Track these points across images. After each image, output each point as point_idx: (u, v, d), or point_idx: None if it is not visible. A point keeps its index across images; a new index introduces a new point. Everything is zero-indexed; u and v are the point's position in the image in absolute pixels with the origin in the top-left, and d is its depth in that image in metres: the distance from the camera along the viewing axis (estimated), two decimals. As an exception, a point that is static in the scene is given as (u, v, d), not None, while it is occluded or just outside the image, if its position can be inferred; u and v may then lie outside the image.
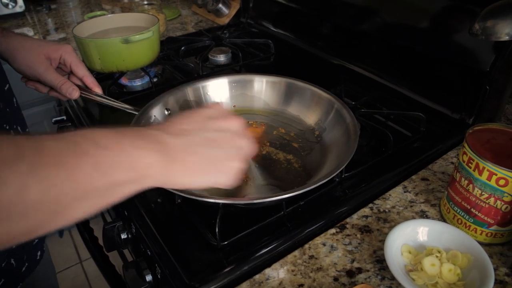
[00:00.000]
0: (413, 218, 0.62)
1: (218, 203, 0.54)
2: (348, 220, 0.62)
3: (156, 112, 0.71)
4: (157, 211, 0.63)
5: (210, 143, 0.42)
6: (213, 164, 0.42)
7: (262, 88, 0.79)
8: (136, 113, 0.68)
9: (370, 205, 0.64)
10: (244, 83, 0.79)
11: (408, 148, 0.76)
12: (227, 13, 1.33)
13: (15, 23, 1.47)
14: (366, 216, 0.62)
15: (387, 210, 0.63)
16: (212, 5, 1.32)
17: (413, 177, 0.70)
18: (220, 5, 1.31)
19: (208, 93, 0.79)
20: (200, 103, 0.78)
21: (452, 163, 0.73)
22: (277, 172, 0.64)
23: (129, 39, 0.88)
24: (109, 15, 1.03)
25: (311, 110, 0.74)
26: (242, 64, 1.07)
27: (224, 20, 1.33)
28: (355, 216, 0.62)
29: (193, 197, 0.52)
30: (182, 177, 0.40)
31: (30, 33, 1.41)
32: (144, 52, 0.94)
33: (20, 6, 1.47)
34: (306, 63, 1.08)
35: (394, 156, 0.72)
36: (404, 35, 0.87)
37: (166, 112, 0.73)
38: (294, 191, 0.52)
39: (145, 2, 1.31)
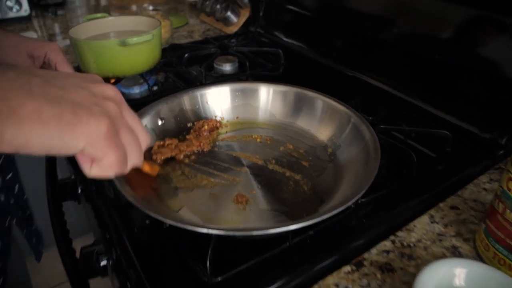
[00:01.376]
0: (444, 255, 0.50)
1: (211, 234, 0.43)
2: (366, 255, 0.50)
3: (148, 121, 0.61)
4: (141, 235, 0.53)
5: (65, 92, 0.32)
6: (67, 114, 0.30)
7: (269, 98, 0.69)
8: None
9: (392, 237, 0.53)
10: (248, 92, 0.69)
11: (432, 170, 0.65)
12: (236, 21, 1.24)
13: (19, 27, 1.40)
14: (388, 251, 0.51)
15: (412, 244, 0.52)
16: (221, 13, 1.24)
17: (441, 205, 0.59)
18: (229, 13, 1.22)
19: (207, 102, 0.69)
20: (197, 113, 0.68)
21: (485, 189, 0.61)
22: (283, 194, 0.54)
23: (127, 41, 0.79)
24: (109, 18, 0.95)
25: (323, 124, 0.64)
26: (249, 74, 0.97)
27: (233, 29, 1.24)
28: (374, 250, 0.51)
29: (178, 225, 0.42)
30: (16, 129, 0.28)
31: (34, 36, 1.33)
32: (143, 57, 0.84)
33: (25, 10, 1.40)
34: (318, 74, 0.98)
35: (417, 179, 0.61)
36: (425, 43, 0.77)
37: (160, 122, 0.63)
38: (304, 221, 0.42)
39: (151, 8, 1.23)
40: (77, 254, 0.66)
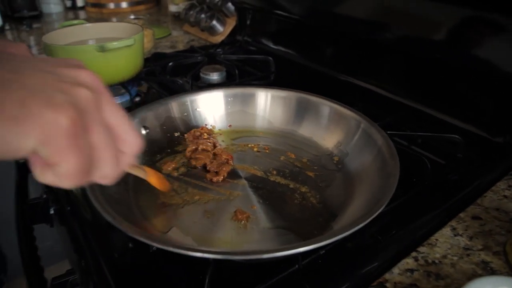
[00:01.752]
0: (475, 272, 0.44)
1: (208, 259, 0.36)
2: (387, 276, 0.43)
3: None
4: (123, 261, 0.44)
5: (16, 75, 0.24)
6: (12, 103, 0.23)
7: (266, 105, 0.62)
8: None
9: (414, 253, 0.46)
10: (243, 98, 0.63)
11: (445, 178, 0.59)
12: (222, 31, 1.18)
13: (-10, 41, 1.31)
14: (412, 270, 0.44)
15: (437, 261, 0.45)
16: (206, 22, 1.18)
17: (461, 215, 0.52)
18: (214, 22, 1.17)
19: (198, 109, 0.62)
20: (186, 121, 0.61)
21: (506, 196, 0.56)
22: (288, 209, 0.47)
23: (106, 46, 0.71)
24: (87, 24, 0.87)
25: (328, 131, 0.57)
26: (238, 83, 0.90)
27: (218, 39, 1.18)
28: (396, 270, 0.44)
29: (169, 248, 0.34)
30: None
31: (5, 50, 1.24)
32: (123, 64, 0.77)
33: (-4, 23, 1.31)
34: (310, 80, 0.91)
35: (431, 188, 0.55)
36: (421, 44, 0.72)
37: (144, 131, 0.56)
38: (317, 241, 0.35)
39: (132, 17, 1.16)
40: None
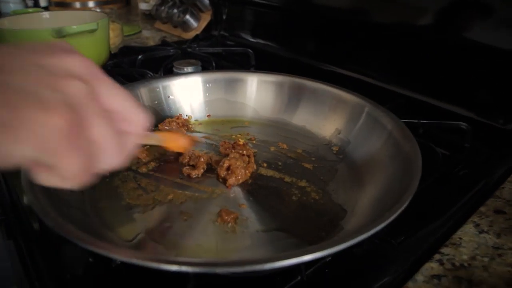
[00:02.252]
0: (511, 274, 0.36)
1: (186, 273, 0.26)
2: (411, 284, 0.35)
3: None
4: (79, 283, 0.34)
5: (4, 75, 0.22)
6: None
7: (252, 91, 0.53)
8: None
9: (437, 256, 0.38)
10: (225, 84, 0.54)
11: (453, 171, 0.51)
12: (196, 26, 1.09)
13: None
14: (438, 276, 0.36)
15: (465, 264, 0.37)
16: (179, 17, 1.09)
17: (482, 209, 0.45)
18: (188, 17, 1.08)
19: (171, 97, 0.52)
20: (157, 111, 0.51)
21: (525, 188, 0.48)
22: (285, 208, 0.38)
23: (64, 30, 0.61)
24: (43, 12, 0.76)
25: (325, 118, 0.49)
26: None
27: (192, 35, 1.09)
28: (420, 277, 0.36)
29: (134, 261, 0.24)
30: None
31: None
32: (85, 53, 0.66)
33: None
34: (292, 72, 0.84)
35: (442, 182, 0.48)
36: (409, 25, 0.64)
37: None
38: (327, 246, 0.26)
39: (99, 11, 1.05)
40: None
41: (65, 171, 0.23)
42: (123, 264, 0.35)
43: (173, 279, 0.33)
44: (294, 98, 0.51)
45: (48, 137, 0.22)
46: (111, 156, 0.26)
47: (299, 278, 0.33)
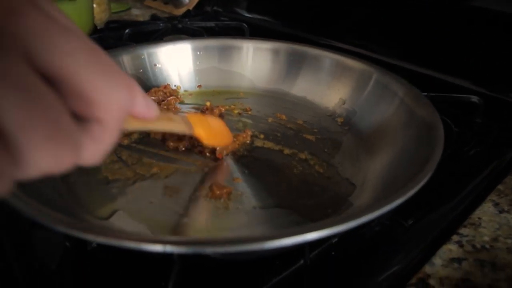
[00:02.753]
0: (539, 258, 0.32)
1: (170, 253, 0.21)
2: (428, 269, 0.30)
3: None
4: (49, 272, 0.29)
5: None
6: None
7: (247, 59, 0.48)
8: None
9: (456, 237, 0.33)
10: (218, 52, 0.48)
11: (466, 147, 0.47)
12: (187, 2, 1.03)
13: None
14: (459, 260, 0.31)
15: (487, 246, 0.33)
16: (169, -8, 1.02)
17: (500, 187, 0.40)
18: (179, -8, 1.01)
19: (158, 65, 0.47)
20: (142, 80, 0.46)
21: (544, 165, 0.44)
22: (285, 182, 0.33)
23: (39, -5, 0.55)
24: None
25: (328, 88, 0.44)
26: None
27: (184, 11, 1.03)
28: (438, 260, 0.31)
29: (107, 241, 0.20)
30: None
31: None
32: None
33: None
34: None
35: (453, 159, 0.43)
36: None
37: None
38: (336, 223, 0.21)
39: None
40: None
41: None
42: (99, 246, 0.30)
43: (155, 263, 0.28)
44: (293, 66, 0.46)
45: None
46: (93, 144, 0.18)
47: (301, 262, 0.29)
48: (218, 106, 0.42)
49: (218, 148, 0.35)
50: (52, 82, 0.16)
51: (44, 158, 0.15)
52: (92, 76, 0.16)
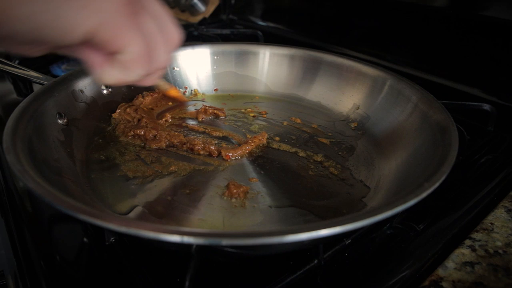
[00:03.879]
0: (553, 265, 0.31)
1: (190, 245, 0.22)
2: (441, 271, 0.30)
3: (85, 84, 0.38)
4: (68, 265, 0.30)
5: None
6: None
7: (264, 65, 0.49)
8: (46, 83, 0.36)
9: (468, 242, 0.33)
10: (235, 57, 0.49)
11: (478, 155, 0.47)
12: (203, 10, 1.04)
13: None
14: (471, 264, 0.31)
15: (500, 251, 0.32)
16: (186, 0, 1.04)
17: (512, 194, 0.40)
18: (196, 1, 1.03)
19: (177, 68, 0.48)
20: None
21: (556, 173, 0.44)
22: (301, 182, 0.33)
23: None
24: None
25: (344, 93, 0.44)
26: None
27: (200, 19, 1.04)
28: (450, 263, 0.31)
29: (125, 230, 0.20)
30: None
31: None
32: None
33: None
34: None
35: (465, 166, 0.43)
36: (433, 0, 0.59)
37: (105, 90, 0.41)
38: (351, 220, 0.21)
39: None
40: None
41: (127, 54, 0.24)
42: (117, 241, 0.30)
43: (173, 258, 0.28)
44: (309, 72, 0.47)
45: (112, 10, 0.22)
46: (163, 54, 0.27)
47: (315, 261, 0.29)
48: (212, 107, 0.43)
49: (222, 151, 0.36)
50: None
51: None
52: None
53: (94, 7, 0.21)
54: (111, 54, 0.24)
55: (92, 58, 0.25)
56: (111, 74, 0.25)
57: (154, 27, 0.26)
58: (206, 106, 0.43)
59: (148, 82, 0.29)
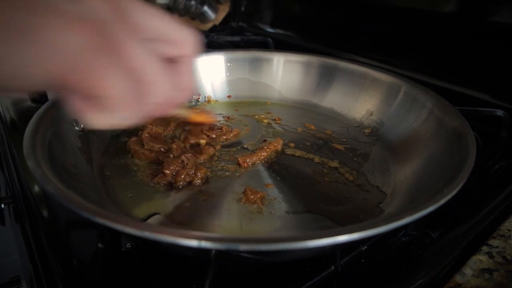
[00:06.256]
0: None
1: (209, 250, 0.22)
2: (459, 278, 0.30)
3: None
4: (86, 270, 0.30)
5: None
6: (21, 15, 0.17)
7: (278, 72, 0.49)
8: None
9: (486, 248, 0.33)
10: (249, 64, 0.49)
11: (492, 161, 0.46)
12: (213, 17, 1.05)
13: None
14: (490, 270, 0.31)
15: (519, 258, 0.32)
16: (196, 8, 1.04)
17: (529, 201, 0.39)
18: (206, 8, 1.03)
19: (190, 75, 0.48)
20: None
21: None
22: (317, 188, 0.33)
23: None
24: None
25: (357, 100, 0.44)
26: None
27: (210, 27, 1.05)
28: (468, 270, 0.31)
29: (145, 234, 0.20)
30: None
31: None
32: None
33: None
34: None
35: (479, 173, 0.43)
36: (443, 7, 0.59)
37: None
38: (370, 226, 0.21)
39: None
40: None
41: (109, 98, 0.19)
42: (134, 248, 0.30)
43: (190, 264, 0.28)
44: (323, 79, 0.47)
45: (73, 49, 0.18)
46: (161, 87, 0.21)
47: (332, 268, 0.29)
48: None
49: (239, 158, 0.36)
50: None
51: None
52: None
53: (54, 47, 0.17)
54: (91, 100, 0.20)
55: (75, 102, 0.20)
56: (99, 119, 0.21)
57: (143, 55, 0.20)
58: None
59: (159, 113, 0.23)
